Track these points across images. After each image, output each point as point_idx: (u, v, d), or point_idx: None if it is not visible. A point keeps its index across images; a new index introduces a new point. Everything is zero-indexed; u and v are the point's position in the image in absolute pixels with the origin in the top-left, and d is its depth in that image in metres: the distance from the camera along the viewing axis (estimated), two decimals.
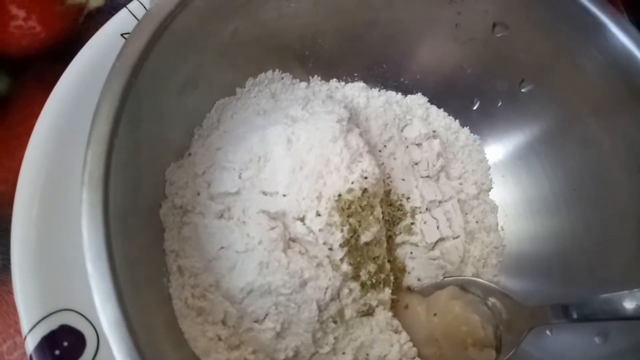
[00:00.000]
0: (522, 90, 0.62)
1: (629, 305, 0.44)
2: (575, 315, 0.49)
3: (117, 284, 0.35)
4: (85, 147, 0.38)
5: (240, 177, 0.52)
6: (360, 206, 0.52)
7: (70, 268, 0.50)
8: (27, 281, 0.49)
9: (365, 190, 0.53)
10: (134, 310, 0.37)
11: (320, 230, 0.51)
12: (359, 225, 0.52)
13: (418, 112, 0.66)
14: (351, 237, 0.52)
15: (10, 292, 0.58)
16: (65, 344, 0.53)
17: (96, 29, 0.61)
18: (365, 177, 0.53)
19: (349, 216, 0.52)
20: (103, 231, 0.36)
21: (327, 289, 0.52)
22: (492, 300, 0.58)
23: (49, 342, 0.50)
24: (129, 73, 0.40)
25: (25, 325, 0.47)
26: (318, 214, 0.51)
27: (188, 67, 0.50)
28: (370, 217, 0.53)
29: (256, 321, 0.50)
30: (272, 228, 0.51)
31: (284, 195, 0.52)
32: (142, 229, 0.46)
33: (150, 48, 0.42)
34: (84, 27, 0.78)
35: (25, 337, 0.47)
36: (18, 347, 0.57)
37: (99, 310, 0.35)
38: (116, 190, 0.39)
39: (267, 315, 0.50)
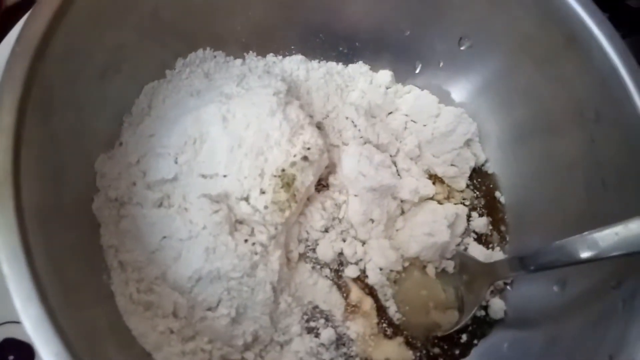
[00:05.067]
0: (462, 48, 0.61)
1: (580, 249, 0.44)
2: (532, 266, 0.49)
3: (39, 282, 0.33)
4: None
5: (176, 162, 0.50)
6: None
7: None
8: None
9: (305, 158, 0.51)
10: (64, 312, 0.34)
11: (265, 207, 0.49)
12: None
13: (360, 80, 0.64)
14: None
15: None
16: (11, 357, 0.50)
17: (14, 25, 0.57)
18: (308, 148, 0.51)
19: (295, 193, 0.50)
20: (17, 228, 0.33)
21: (280, 269, 0.50)
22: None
23: None
24: (31, 57, 0.37)
25: None
26: (262, 192, 0.49)
27: (105, 49, 0.47)
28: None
29: (209, 309, 0.48)
30: (216, 211, 0.48)
31: (225, 176, 0.49)
32: (72, 225, 0.43)
33: (55, 28, 0.38)
34: (2, 24, 0.73)
35: None
36: None
37: (20, 313, 0.32)
38: (31, 185, 0.36)
39: (220, 301, 0.48)
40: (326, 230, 0.55)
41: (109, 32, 0.46)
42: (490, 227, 0.60)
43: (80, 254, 0.43)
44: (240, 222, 0.51)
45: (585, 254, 0.44)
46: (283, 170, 0.50)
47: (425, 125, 0.61)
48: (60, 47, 0.40)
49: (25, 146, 0.36)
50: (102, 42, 0.46)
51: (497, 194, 0.62)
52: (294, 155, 0.51)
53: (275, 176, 0.50)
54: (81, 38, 0.42)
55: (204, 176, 0.50)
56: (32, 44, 0.37)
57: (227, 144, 0.50)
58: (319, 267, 0.55)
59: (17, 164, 0.35)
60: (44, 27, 0.38)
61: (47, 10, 0.38)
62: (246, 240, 0.49)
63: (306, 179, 0.51)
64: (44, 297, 0.33)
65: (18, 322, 0.48)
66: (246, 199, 0.49)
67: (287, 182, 0.50)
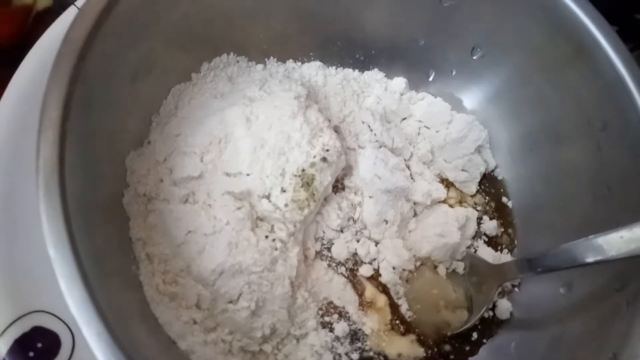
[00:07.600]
0: (474, 57, 0.64)
1: (586, 252, 0.46)
2: (539, 268, 0.50)
3: (82, 265, 0.35)
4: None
5: (202, 161, 0.52)
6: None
7: (40, 270, 0.49)
8: None
9: (324, 159, 0.53)
10: (102, 296, 0.36)
11: (285, 205, 0.51)
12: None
13: (375, 87, 0.67)
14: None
15: None
16: (39, 345, 0.51)
17: (46, 30, 0.59)
18: (327, 150, 0.54)
19: (314, 192, 0.52)
20: (62, 215, 0.36)
21: (298, 265, 0.52)
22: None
23: (22, 344, 0.49)
24: (76, 57, 0.39)
25: None
26: (283, 190, 0.52)
27: (138, 53, 0.49)
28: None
29: (230, 302, 0.50)
30: (239, 208, 0.51)
31: (248, 175, 0.52)
32: (105, 218, 0.46)
33: (96, 32, 0.41)
34: (33, 28, 0.76)
35: None
36: None
37: (65, 294, 0.34)
38: (73, 177, 0.39)
39: (240, 295, 0.50)
40: (341, 230, 0.58)
41: (141, 37, 0.49)
42: (502, 230, 0.62)
43: (113, 245, 0.46)
44: (262, 219, 0.53)
45: (590, 257, 0.45)
46: (303, 170, 0.53)
47: (437, 131, 0.64)
48: (100, 49, 0.42)
49: (69, 140, 0.38)
50: (134, 47, 0.49)
51: (504, 199, 0.64)
52: (314, 157, 0.53)
53: (295, 176, 0.52)
54: (117, 42, 0.45)
55: (227, 174, 0.52)
56: (77, 45, 0.40)
57: (250, 144, 0.52)
58: (334, 264, 0.57)
59: (62, 157, 0.37)
60: (87, 30, 0.41)
61: (90, 15, 0.41)
62: (267, 237, 0.52)
63: (324, 179, 0.53)
64: (87, 280, 0.35)
65: (46, 312, 0.50)
66: (267, 197, 0.52)
67: (306, 181, 0.52)
